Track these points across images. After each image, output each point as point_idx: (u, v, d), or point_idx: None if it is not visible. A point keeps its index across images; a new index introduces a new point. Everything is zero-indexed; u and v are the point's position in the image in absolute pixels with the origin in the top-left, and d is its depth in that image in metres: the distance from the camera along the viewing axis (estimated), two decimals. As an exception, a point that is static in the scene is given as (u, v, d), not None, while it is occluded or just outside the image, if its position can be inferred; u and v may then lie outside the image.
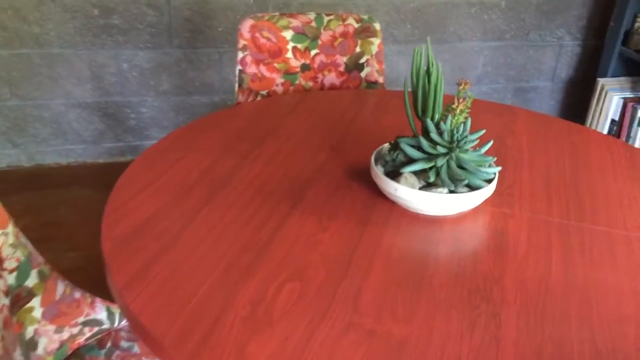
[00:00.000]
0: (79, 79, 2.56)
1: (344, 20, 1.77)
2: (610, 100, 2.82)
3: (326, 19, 1.76)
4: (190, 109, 2.75)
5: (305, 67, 1.78)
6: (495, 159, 1.17)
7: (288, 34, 1.75)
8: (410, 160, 1.08)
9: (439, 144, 1.05)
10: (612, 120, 2.84)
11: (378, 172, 1.10)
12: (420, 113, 1.10)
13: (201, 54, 2.64)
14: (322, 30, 1.77)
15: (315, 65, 1.78)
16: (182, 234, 1.01)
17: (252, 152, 1.29)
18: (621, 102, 2.79)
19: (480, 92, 3.07)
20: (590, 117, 2.96)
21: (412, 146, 1.08)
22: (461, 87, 1.04)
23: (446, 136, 1.05)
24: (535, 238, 1.05)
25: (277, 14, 1.74)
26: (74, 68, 2.53)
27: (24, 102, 2.54)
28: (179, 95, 2.71)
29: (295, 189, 1.16)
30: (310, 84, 1.79)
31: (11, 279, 1.12)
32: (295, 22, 1.75)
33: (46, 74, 2.51)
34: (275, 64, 1.75)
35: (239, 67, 1.71)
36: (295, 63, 1.77)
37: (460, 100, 1.04)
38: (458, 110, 1.04)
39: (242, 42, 1.70)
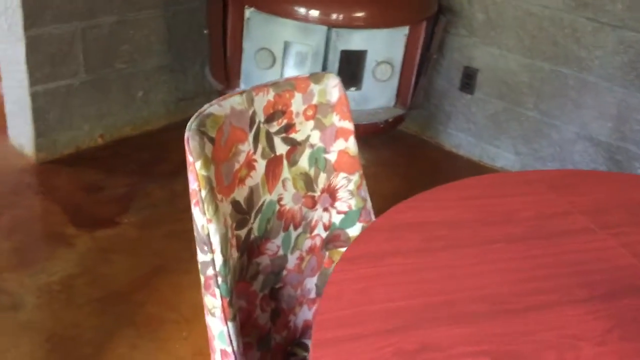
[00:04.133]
0: (602, 114, 2.42)
1: None
2: None
3: None
4: None
5: None
6: None
7: None
8: None
9: None
10: None
11: None
12: None
13: None
14: None
15: None
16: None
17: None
18: None
19: None
20: None
21: None
22: None
23: None
24: None
25: None
26: (602, 102, 2.40)
27: (541, 117, 2.57)
28: None
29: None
30: None
31: (337, 219, 1.23)
32: None
33: (572, 98, 2.47)
34: None
35: None
36: None
37: None
38: None
39: None
